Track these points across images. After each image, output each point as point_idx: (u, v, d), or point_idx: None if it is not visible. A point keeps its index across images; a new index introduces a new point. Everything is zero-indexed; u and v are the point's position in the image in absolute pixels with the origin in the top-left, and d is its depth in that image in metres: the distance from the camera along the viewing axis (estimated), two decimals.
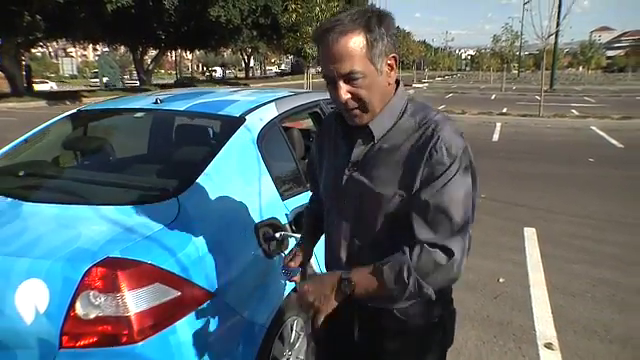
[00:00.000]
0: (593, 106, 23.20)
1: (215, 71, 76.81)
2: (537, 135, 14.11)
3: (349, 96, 1.36)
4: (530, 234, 5.57)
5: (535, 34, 18.98)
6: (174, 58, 64.06)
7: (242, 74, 70.09)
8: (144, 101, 3.16)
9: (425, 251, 1.33)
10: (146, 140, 3.30)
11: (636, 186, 7.96)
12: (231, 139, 2.51)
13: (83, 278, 1.77)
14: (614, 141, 12.65)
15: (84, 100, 24.94)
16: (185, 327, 1.89)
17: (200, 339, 1.95)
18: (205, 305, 1.98)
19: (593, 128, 15.11)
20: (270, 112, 2.83)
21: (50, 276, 1.79)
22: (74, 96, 26.17)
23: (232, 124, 2.63)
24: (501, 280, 4.38)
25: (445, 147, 1.34)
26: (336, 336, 1.70)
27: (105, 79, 42.52)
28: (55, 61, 57.28)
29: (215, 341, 2.04)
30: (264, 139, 2.64)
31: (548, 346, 3.35)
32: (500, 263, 4.74)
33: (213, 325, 2.02)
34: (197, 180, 2.25)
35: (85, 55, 77.91)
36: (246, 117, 2.67)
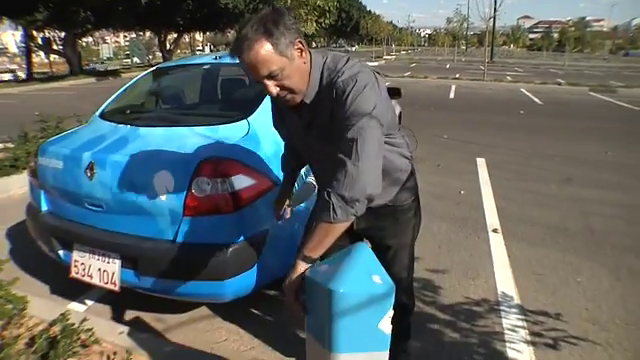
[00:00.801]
0: (521, 74, 23.02)
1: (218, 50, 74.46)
2: (482, 94, 14.13)
3: (277, 89, 1.29)
4: (481, 162, 5.77)
5: (479, 17, 18.95)
6: (188, 39, 62.19)
7: None
8: (205, 58, 3.32)
9: (339, 170, 1.25)
10: (213, 84, 3.38)
11: (551, 129, 8.17)
12: None
13: (196, 169, 2.04)
14: (536, 99, 12.77)
15: (122, 75, 24.44)
16: (261, 204, 2.14)
17: (270, 213, 2.14)
18: (272, 191, 2.18)
19: (522, 90, 15.15)
20: None
21: (174, 168, 2.06)
22: (114, 73, 25.65)
23: None
24: (462, 192, 4.62)
25: (342, 90, 1.29)
26: None
27: (135, 59, 41.32)
28: (95, 47, 55.39)
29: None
30: None
31: (495, 231, 3.68)
32: (461, 181, 4.97)
33: None
34: (259, 107, 2.47)
35: (118, 41, 75.17)
36: None
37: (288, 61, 1.27)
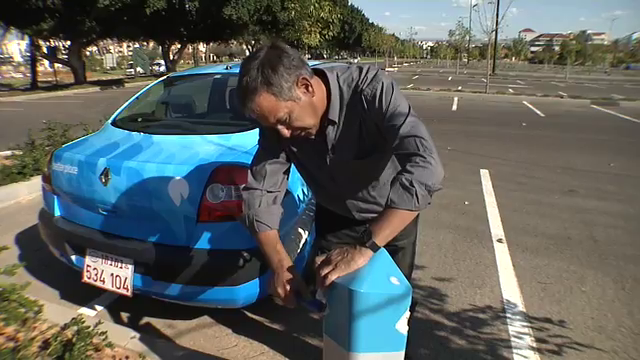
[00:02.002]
0: (523, 87, 23.12)
1: (222, 61, 74.70)
2: (485, 106, 14.19)
3: (290, 131, 1.25)
4: (484, 173, 5.83)
5: (482, 30, 19.16)
6: (192, 50, 62.67)
7: None
8: (217, 68, 3.37)
9: (413, 163, 1.19)
10: (224, 94, 3.43)
11: (553, 141, 8.21)
12: None
13: (210, 176, 2.09)
14: (538, 112, 12.81)
15: (126, 85, 24.67)
16: None
17: (284, 219, 2.25)
18: (286, 198, 2.23)
19: (524, 102, 15.20)
20: None
21: (189, 176, 2.11)
22: (118, 82, 25.89)
23: None
24: (467, 203, 4.67)
25: (371, 96, 1.27)
26: (337, 218, 1.66)
27: (139, 69, 41.62)
28: (99, 57, 55.98)
29: (293, 222, 2.34)
30: None
31: (499, 240, 3.73)
32: (465, 192, 5.02)
33: (290, 211, 2.28)
34: None
35: (121, 51, 75.75)
36: None
37: (295, 103, 1.21)
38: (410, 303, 1.18)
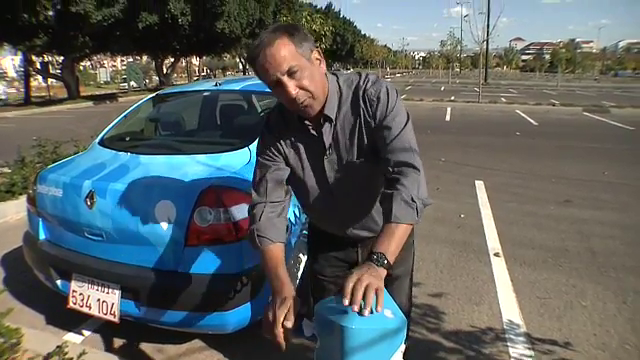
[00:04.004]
0: (516, 95, 23.26)
1: (215, 75, 74.53)
2: (478, 116, 14.24)
3: (297, 90, 1.22)
4: (479, 184, 5.77)
5: (473, 40, 19.31)
6: (185, 63, 62.83)
7: (239, 75, 68.56)
8: (206, 85, 3.32)
9: (408, 174, 1.22)
10: (214, 111, 3.39)
11: (547, 150, 8.22)
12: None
13: (198, 199, 2.02)
14: (531, 120, 12.87)
15: (119, 99, 24.61)
16: None
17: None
18: None
19: (517, 111, 15.27)
20: None
21: (176, 198, 2.04)
22: (111, 97, 25.82)
23: None
24: (462, 215, 4.60)
25: (376, 97, 1.29)
26: (328, 239, 1.60)
27: (132, 83, 41.62)
28: (93, 71, 56.00)
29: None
30: None
31: (496, 254, 3.66)
32: (460, 204, 4.95)
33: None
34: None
35: (115, 65, 75.75)
36: None
37: (308, 63, 1.24)
38: (406, 336, 1.11)
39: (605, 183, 5.89)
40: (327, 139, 1.35)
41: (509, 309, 2.83)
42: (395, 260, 1.19)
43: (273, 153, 1.41)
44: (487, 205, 4.96)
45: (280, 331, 1.12)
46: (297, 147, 1.40)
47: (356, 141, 1.34)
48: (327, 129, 1.34)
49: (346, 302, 1.02)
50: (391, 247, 1.14)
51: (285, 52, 1.19)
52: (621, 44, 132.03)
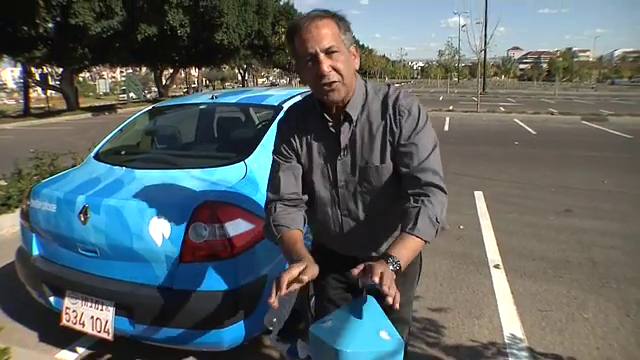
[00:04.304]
0: (514, 104, 23.35)
1: (214, 86, 74.45)
2: (476, 126, 14.24)
3: (330, 69, 1.21)
4: (479, 195, 5.74)
5: (471, 49, 19.42)
6: (184, 75, 63.01)
7: (238, 86, 68.68)
8: (202, 98, 3.29)
9: (436, 195, 1.24)
10: (210, 125, 3.37)
11: (546, 159, 8.22)
12: (275, 121, 2.59)
13: (192, 215, 1.99)
14: (530, 129, 12.89)
15: (118, 111, 24.65)
16: (260, 248, 2.09)
17: (269, 257, 2.15)
18: None
19: (516, 120, 15.31)
20: None
21: (170, 214, 2.01)
22: (110, 108, 25.88)
23: (274, 110, 2.77)
24: (461, 227, 4.53)
25: (407, 109, 1.30)
26: (330, 259, 1.50)
27: (132, 94, 41.81)
28: (92, 82, 56.21)
29: (279, 260, 2.18)
30: None
31: (496, 266, 3.62)
32: (460, 215, 4.88)
33: (276, 248, 2.22)
34: (257, 149, 2.45)
35: (114, 76, 75.98)
36: (283, 105, 2.79)
37: (347, 52, 1.25)
38: (403, 358, 1.08)
39: (605, 192, 5.87)
40: (344, 139, 1.33)
41: (510, 322, 2.79)
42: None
43: (287, 150, 1.40)
44: (486, 216, 4.93)
45: (285, 280, 1.06)
46: (311, 145, 1.38)
47: (377, 147, 1.32)
48: (346, 128, 1.33)
49: (377, 279, 0.98)
50: (406, 255, 1.13)
51: (329, 31, 1.22)
52: (616, 53, 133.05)
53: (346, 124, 1.32)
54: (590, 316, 2.85)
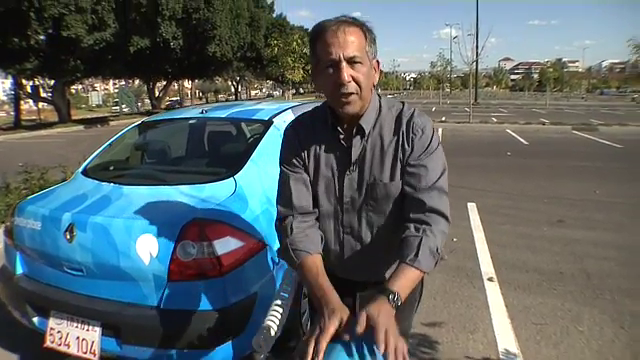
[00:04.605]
0: (506, 115, 23.55)
1: (207, 98, 74.27)
2: (469, 136, 14.30)
3: (350, 79, 1.17)
4: (472, 207, 5.71)
5: (463, 60, 19.63)
6: (177, 87, 63.05)
7: (231, 98, 68.68)
8: (192, 112, 3.26)
9: (438, 224, 1.21)
10: (200, 140, 3.35)
11: (539, 170, 8.25)
12: (265, 136, 2.64)
13: (180, 232, 1.95)
14: (522, 139, 12.99)
15: (111, 123, 24.57)
16: (249, 266, 2.06)
17: (259, 274, 2.13)
18: (262, 252, 2.14)
19: (508, 131, 15.42)
20: (289, 116, 2.91)
21: (157, 232, 1.97)
22: (103, 120, 25.80)
23: (264, 125, 2.76)
24: (454, 239, 4.48)
25: (421, 129, 1.26)
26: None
27: (124, 106, 41.66)
28: (85, 94, 56.11)
29: (269, 277, 2.19)
30: None
31: (490, 279, 3.60)
32: (453, 228, 4.67)
33: (267, 265, 2.18)
34: (246, 165, 2.41)
35: (107, 89, 75.84)
36: (273, 120, 2.79)
37: (369, 63, 1.22)
38: None
39: (597, 202, 5.89)
40: (355, 153, 1.29)
41: (505, 337, 2.76)
42: None
43: (295, 160, 1.34)
44: (480, 228, 4.90)
45: (324, 344, 1.01)
46: (319, 156, 1.33)
47: (387, 164, 1.28)
48: (357, 142, 1.29)
49: (381, 350, 0.97)
50: (406, 289, 1.12)
51: (356, 40, 1.18)
52: (604, 64, 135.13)
53: (358, 138, 1.28)
54: (585, 329, 2.83)
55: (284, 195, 1.34)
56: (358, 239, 1.36)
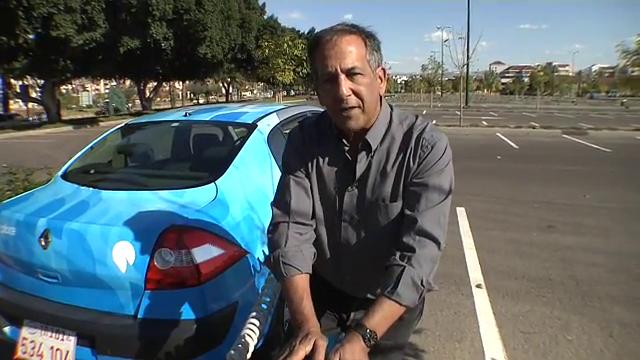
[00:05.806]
0: (496, 118, 23.70)
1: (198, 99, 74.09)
2: (459, 140, 14.14)
3: (350, 92, 1.10)
4: (461, 211, 5.65)
5: (454, 64, 19.71)
6: (168, 88, 62.72)
7: (222, 99, 68.40)
8: (176, 115, 3.18)
9: (427, 250, 1.12)
10: (183, 143, 3.29)
11: (529, 174, 8.28)
12: (249, 139, 2.58)
13: (157, 240, 1.89)
14: (512, 143, 13.04)
15: (101, 124, 24.35)
16: (229, 274, 2.00)
17: (240, 282, 2.07)
18: (242, 260, 2.09)
19: (498, 134, 15.48)
20: (274, 119, 2.88)
21: (134, 239, 1.91)
22: (92, 121, 25.55)
23: (248, 129, 2.69)
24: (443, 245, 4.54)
25: (431, 145, 1.18)
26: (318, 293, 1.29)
27: (114, 105, 41.33)
28: (75, 95, 55.62)
29: (250, 285, 2.13)
30: (272, 139, 2.68)
31: (478, 286, 3.56)
32: None
33: (248, 273, 2.12)
34: (228, 169, 2.35)
35: (98, 89, 75.22)
36: (257, 123, 2.73)
37: (372, 74, 1.14)
38: None
39: (586, 207, 5.90)
40: (360, 169, 1.22)
41: (492, 346, 2.73)
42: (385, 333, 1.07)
43: (299, 164, 1.28)
44: (469, 233, 4.87)
45: None
46: (322, 168, 1.27)
47: (390, 182, 1.20)
48: (363, 158, 1.21)
49: None
50: (383, 325, 1.04)
51: (354, 50, 1.10)
52: (594, 68, 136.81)
53: (363, 153, 1.21)
54: (574, 338, 2.80)
55: (283, 198, 1.27)
56: (355, 255, 1.30)
